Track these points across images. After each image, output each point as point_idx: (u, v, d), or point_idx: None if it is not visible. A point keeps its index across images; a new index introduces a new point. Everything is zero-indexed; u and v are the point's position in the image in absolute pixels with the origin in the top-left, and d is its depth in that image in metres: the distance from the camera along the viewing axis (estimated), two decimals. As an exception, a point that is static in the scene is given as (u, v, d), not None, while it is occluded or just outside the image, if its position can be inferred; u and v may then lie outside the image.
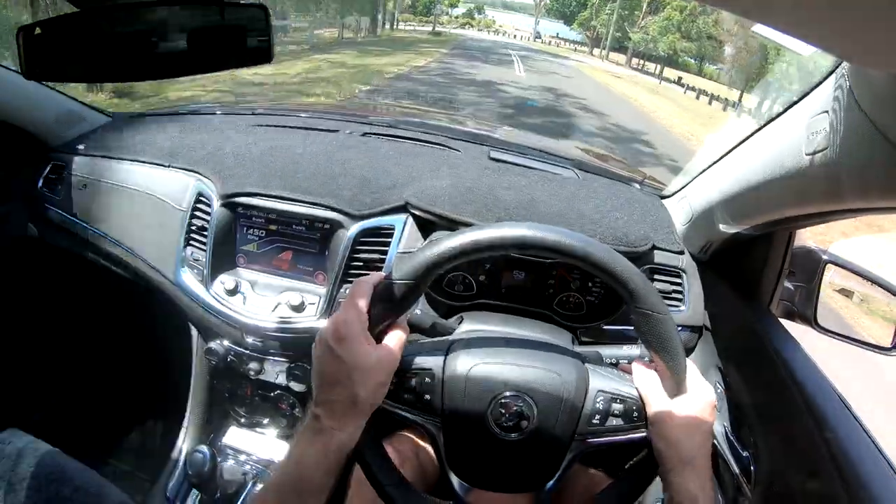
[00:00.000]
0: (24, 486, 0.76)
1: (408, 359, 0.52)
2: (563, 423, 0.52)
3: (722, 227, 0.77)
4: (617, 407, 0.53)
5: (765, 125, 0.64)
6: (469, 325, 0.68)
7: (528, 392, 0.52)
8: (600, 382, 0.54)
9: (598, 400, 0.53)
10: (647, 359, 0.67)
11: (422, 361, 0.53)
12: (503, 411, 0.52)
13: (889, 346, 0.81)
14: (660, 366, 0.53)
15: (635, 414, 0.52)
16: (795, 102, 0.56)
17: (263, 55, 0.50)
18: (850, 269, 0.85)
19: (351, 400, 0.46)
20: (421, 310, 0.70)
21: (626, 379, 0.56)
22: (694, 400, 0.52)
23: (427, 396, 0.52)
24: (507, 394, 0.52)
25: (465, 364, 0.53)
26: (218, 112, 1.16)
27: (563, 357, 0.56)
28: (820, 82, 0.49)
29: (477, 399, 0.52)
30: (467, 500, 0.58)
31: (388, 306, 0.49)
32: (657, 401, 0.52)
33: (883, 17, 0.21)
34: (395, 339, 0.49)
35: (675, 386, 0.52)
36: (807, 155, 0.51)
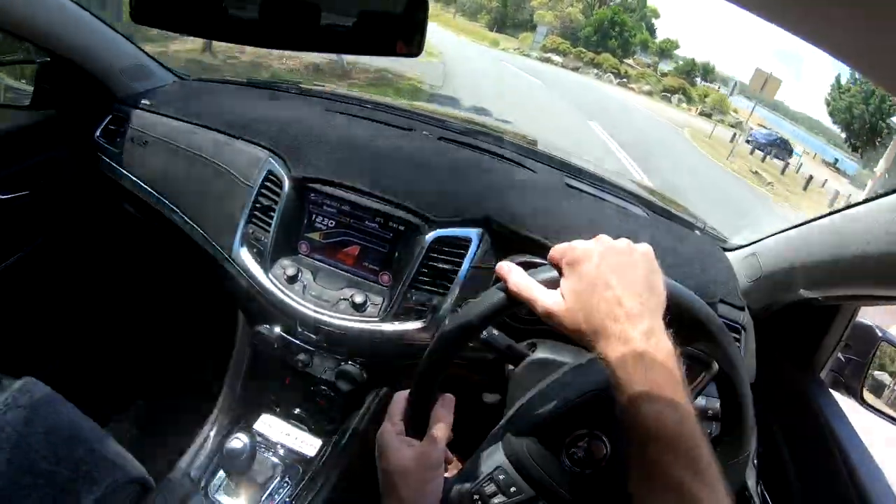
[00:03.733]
0: (36, 441, 0.73)
1: (470, 473, 0.54)
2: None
3: (797, 291, 0.76)
4: None
5: (870, 200, 0.64)
6: (542, 354, 0.68)
7: (589, 425, 0.53)
8: None
9: None
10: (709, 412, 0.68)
11: (485, 466, 0.55)
12: (576, 454, 0.53)
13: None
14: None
15: None
16: None
17: (417, 47, 0.49)
18: None
19: (399, 503, 0.48)
20: (497, 331, 0.69)
21: None
22: (581, 267, 0.45)
23: (513, 489, 0.53)
24: (573, 436, 0.53)
25: (521, 440, 0.54)
26: (292, 90, 1.14)
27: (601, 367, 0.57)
28: None
29: (549, 457, 0.53)
30: None
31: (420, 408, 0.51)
32: (542, 293, 0.45)
33: None
34: (430, 437, 0.50)
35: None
36: None
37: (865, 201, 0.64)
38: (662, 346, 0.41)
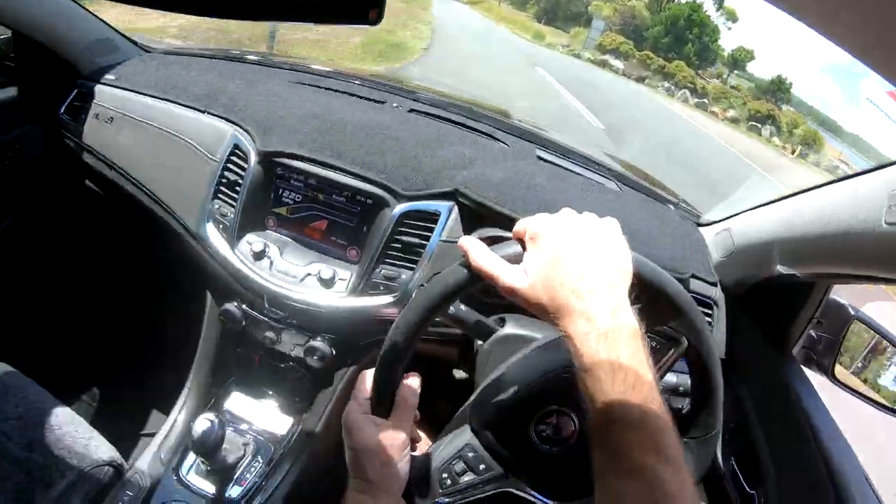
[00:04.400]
0: (9, 428, 0.72)
1: (440, 453, 0.54)
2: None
3: (771, 267, 0.76)
4: None
5: (846, 178, 0.63)
6: (511, 329, 0.67)
7: (557, 402, 0.52)
8: None
9: None
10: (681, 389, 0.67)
11: (454, 444, 0.54)
12: (543, 431, 0.53)
13: (903, 409, 0.82)
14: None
15: None
16: (881, 167, 0.56)
17: (369, 9, 0.46)
18: (876, 331, 0.86)
19: (366, 482, 0.48)
20: (465, 307, 0.68)
21: None
22: (544, 241, 0.43)
23: (482, 466, 0.53)
24: (541, 413, 0.53)
25: (488, 417, 0.53)
26: (263, 62, 1.11)
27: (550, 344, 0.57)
28: None
29: (517, 435, 0.52)
30: None
31: (385, 388, 0.50)
32: (504, 269, 0.44)
33: None
34: (396, 416, 0.50)
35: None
36: (886, 224, 0.51)
37: (850, 177, 0.63)
38: (627, 324, 0.40)
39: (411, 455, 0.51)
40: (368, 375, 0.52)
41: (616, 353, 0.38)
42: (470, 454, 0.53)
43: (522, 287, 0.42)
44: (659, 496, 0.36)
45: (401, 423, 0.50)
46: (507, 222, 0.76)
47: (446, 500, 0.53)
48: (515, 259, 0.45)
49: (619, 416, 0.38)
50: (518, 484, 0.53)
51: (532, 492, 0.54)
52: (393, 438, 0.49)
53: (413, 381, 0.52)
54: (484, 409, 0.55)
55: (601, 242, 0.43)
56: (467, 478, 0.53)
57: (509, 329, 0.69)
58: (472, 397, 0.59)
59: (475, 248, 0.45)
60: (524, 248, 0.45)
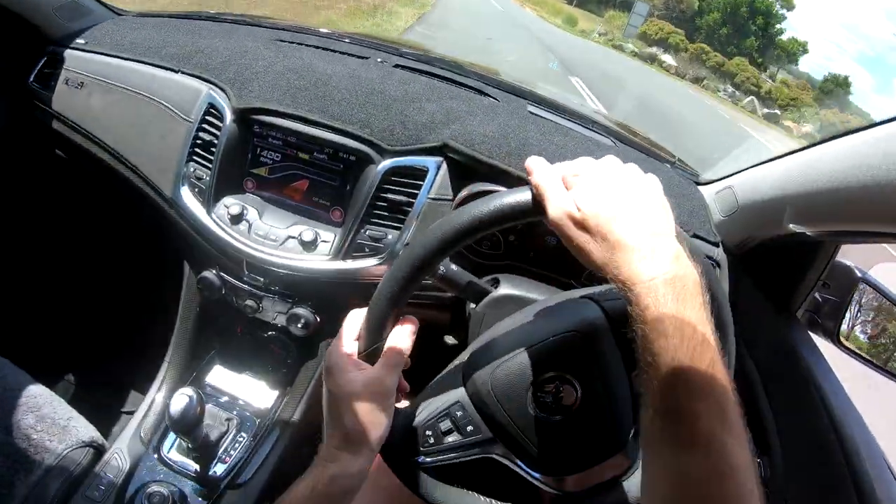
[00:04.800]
0: None
1: (429, 406, 0.50)
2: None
3: (780, 225, 0.72)
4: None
5: (868, 127, 0.59)
6: (507, 290, 0.64)
7: (560, 368, 0.47)
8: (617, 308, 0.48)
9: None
10: None
11: (444, 400, 0.50)
12: (542, 395, 0.47)
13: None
14: None
15: None
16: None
17: None
18: (884, 294, 0.83)
19: (342, 431, 0.45)
20: (456, 266, 0.64)
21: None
22: (596, 179, 0.40)
23: (470, 428, 0.48)
24: (541, 379, 0.47)
25: (484, 376, 0.48)
26: (237, 21, 1.06)
27: (576, 307, 0.51)
28: None
29: (514, 399, 0.47)
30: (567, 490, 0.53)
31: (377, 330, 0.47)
32: (560, 196, 0.40)
33: None
34: (382, 362, 0.47)
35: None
36: None
37: (873, 125, 0.59)
38: (690, 273, 0.36)
39: (395, 407, 0.48)
40: (359, 314, 0.48)
41: (683, 305, 0.34)
42: (458, 413, 0.49)
43: (577, 216, 0.38)
44: (725, 468, 0.32)
45: (389, 369, 0.46)
46: (500, 176, 0.72)
47: (427, 459, 0.49)
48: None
49: (684, 380, 0.34)
50: (506, 452, 0.49)
51: (519, 462, 0.49)
52: (377, 385, 0.45)
53: (408, 325, 0.48)
54: (478, 368, 0.50)
55: (650, 191, 0.40)
56: (452, 438, 0.48)
57: (504, 290, 0.65)
58: (466, 355, 0.54)
59: (540, 164, 0.41)
60: (566, 186, 0.40)
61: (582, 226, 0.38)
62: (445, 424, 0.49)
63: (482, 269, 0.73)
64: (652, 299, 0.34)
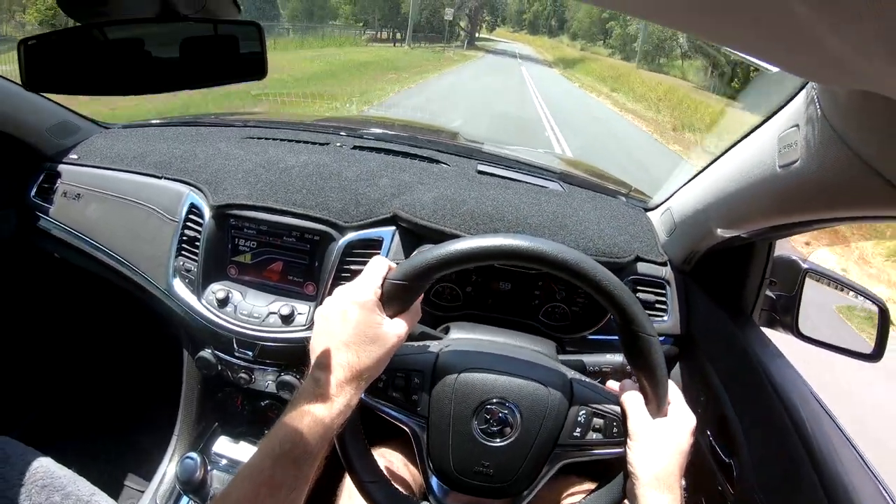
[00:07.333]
0: (14, 494, 0.75)
1: (398, 358, 0.53)
2: (546, 432, 0.54)
3: (703, 237, 0.78)
4: (597, 421, 0.55)
5: (742, 138, 0.67)
6: (456, 335, 0.69)
7: (515, 401, 0.54)
8: (583, 396, 0.56)
9: (580, 413, 0.55)
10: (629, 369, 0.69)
11: (412, 361, 0.56)
12: (488, 417, 0.54)
13: (870, 352, 0.82)
14: (643, 385, 0.54)
15: (615, 430, 0.55)
16: (769, 117, 0.59)
17: (257, 69, 0.51)
18: (831, 278, 0.86)
19: (352, 366, 0.46)
20: None
21: (609, 394, 0.58)
22: (675, 423, 0.53)
23: (415, 396, 0.54)
24: (494, 400, 0.54)
25: (455, 368, 0.55)
26: (213, 123, 1.17)
27: (549, 368, 0.59)
28: (792, 97, 0.52)
29: (464, 403, 0.54)
30: (445, 502, 0.59)
31: (395, 300, 0.50)
32: (639, 419, 0.53)
33: (843, 38, 0.22)
34: (403, 320, 0.50)
35: (657, 407, 0.53)
36: (780, 168, 0.53)
37: (755, 129, 0.66)
38: None
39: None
40: (385, 264, 0.51)
41: None
42: (416, 380, 0.54)
43: (651, 437, 0.51)
44: None
45: (409, 326, 0.50)
46: (442, 238, 0.79)
47: (368, 400, 0.53)
48: None
49: None
50: (422, 439, 0.54)
51: (426, 456, 0.55)
52: (398, 336, 0.48)
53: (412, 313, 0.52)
54: (455, 362, 0.56)
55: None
56: (396, 395, 0.54)
57: (455, 335, 0.70)
58: (454, 344, 0.61)
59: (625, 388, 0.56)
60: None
61: (658, 445, 0.52)
62: (400, 381, 0.54)
63: (444, 320, 0.79)
64: None
